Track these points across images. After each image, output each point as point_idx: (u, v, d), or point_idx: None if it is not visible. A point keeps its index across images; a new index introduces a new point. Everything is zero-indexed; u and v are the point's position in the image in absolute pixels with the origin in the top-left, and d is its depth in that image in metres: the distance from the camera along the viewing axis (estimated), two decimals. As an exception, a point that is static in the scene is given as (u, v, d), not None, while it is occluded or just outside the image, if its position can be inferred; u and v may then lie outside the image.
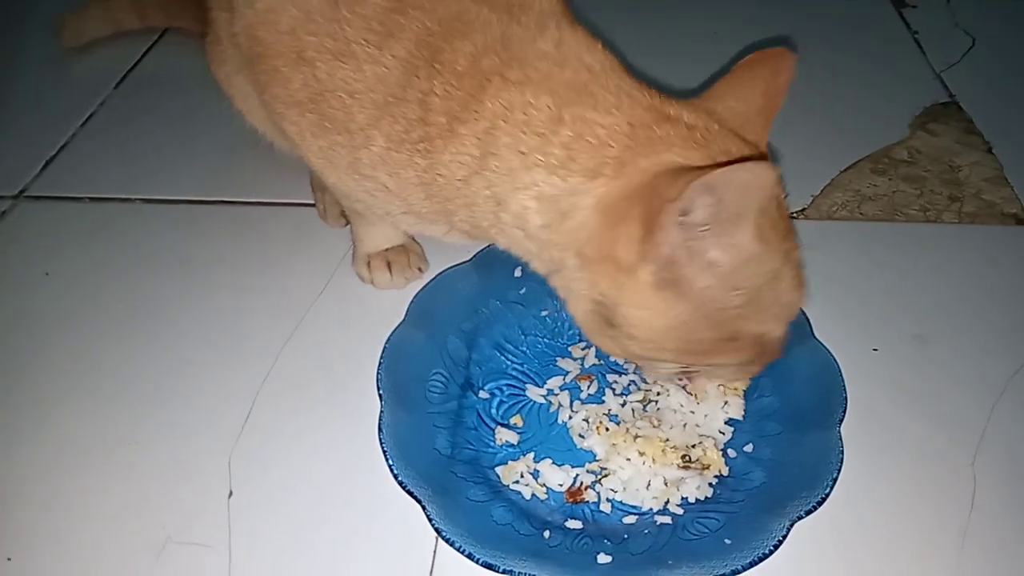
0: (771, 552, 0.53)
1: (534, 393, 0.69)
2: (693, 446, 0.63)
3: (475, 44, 0.56)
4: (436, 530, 0.55)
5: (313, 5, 0.60)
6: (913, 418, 0.68)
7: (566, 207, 0.54)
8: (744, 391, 0.66)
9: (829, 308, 0.73)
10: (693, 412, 0.65)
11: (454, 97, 0.56)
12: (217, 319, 0.77)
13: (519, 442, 0.65)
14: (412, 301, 0.72)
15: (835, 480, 0.57)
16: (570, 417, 0.66)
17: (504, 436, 0.65)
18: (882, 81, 1.10)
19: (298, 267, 0.82)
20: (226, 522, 0.61)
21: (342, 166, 0.64)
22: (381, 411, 0.62)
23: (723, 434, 0.65)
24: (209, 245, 0.85)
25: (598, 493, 0.61)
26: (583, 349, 0.72)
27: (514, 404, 0.68)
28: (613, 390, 0.69)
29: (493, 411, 0.67)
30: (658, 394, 0.67)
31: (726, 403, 0.65)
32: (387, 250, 0.80)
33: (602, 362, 0.71)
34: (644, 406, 0.67)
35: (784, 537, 0.54)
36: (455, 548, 0.54)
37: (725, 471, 0.62)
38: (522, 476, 0.62)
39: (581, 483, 0.62)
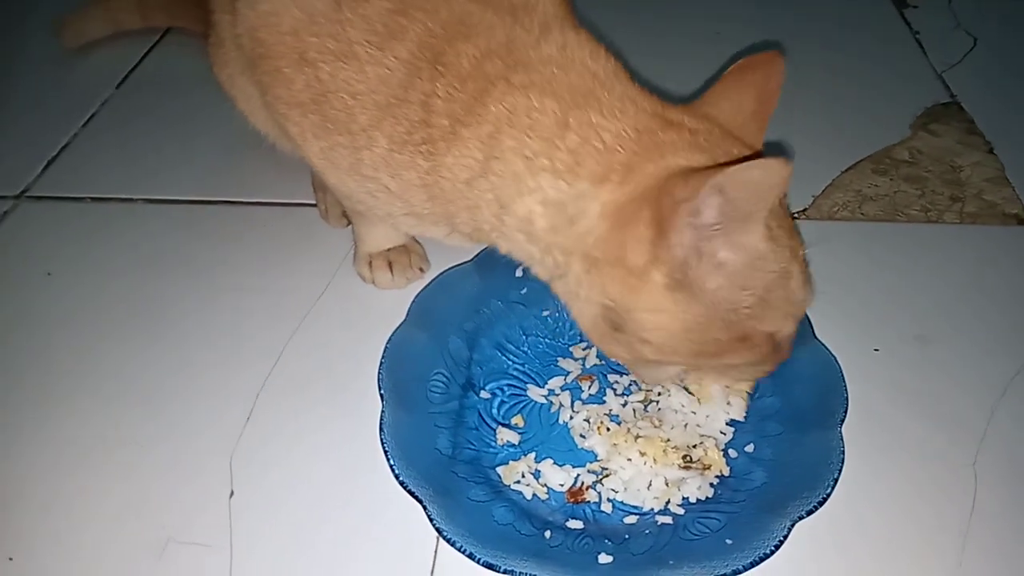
0: (772, 552, 0.53)
1: (535, 393, 0.69)
2: (694, 446, 0.63)
3: (478, 47, 0.56)
4: (437, 530, 0.55)
5: (316, 7, 0.60)
6: (914, 418, 0.68)
7: (573, 212, 0.54)
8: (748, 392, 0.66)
9: (830, 308, 0.73)
10: (694, 412, 0.65)
11: (457, 100, 0.56)
12: (218, 319, 0.77)
13: (520, 442, 0.65)
14: (413, 301, 0.72)
15: (836, 480, 0.57)
16: (571, 417, 0.66)
17: (505, 436, 0.65)
18: (883, 81, 1.10)
19: (300, 267, 0.82)
20: (227, 522, 0.61)
21: (344, 167, 0.64)
22: (382, 411, 0.62)
23: (724, 434, 0.65)
24: (211, 245, 0.85)
25: (599, 493, 0.62)
26: (584, 349, 0.72)
27: (515, 404, 0.68)
28: (614, 390, 0.69)
29: (494, 411, 0.68)
30: (659, 394, 0.67)
31: (729, 404, 0.65)
32: (389, 250, 0.80)
33: (603, 362, 0.71)
34: (645, 406, 0.67)
35: (785, 537, 0.54)
36: (456, 548, 0.54)
37: (726, 471, 0.62)
38: (523, 476, 0.62)
39: (582, 483, 0.62)
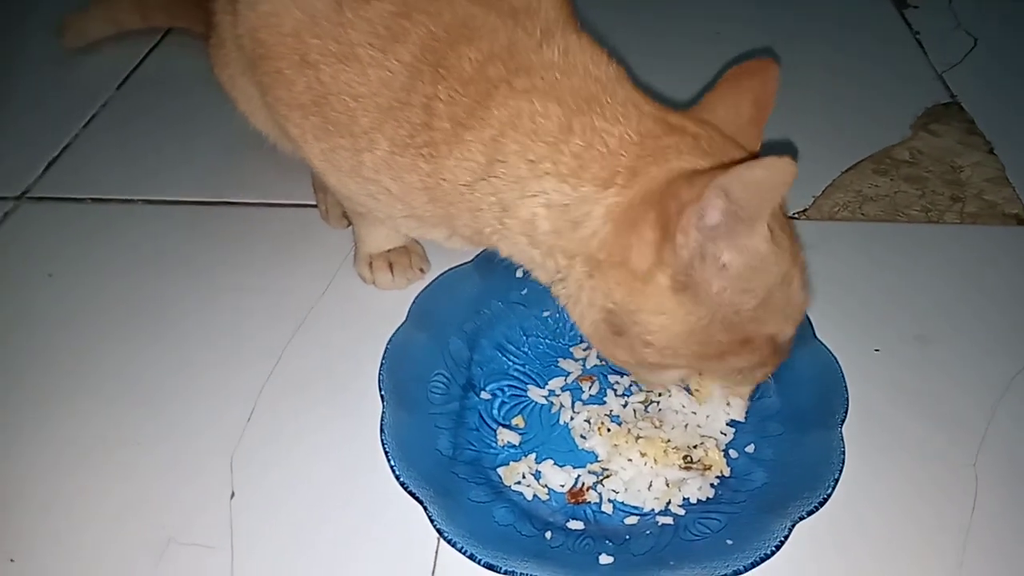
0: (773, 553, 0.53)
1: (536, 394, 0.69)
2: (695, 447, 0.63)
3: (481, 51, 0.57)
4: (438, 531, 0.55)
5: (317, 8, 0.60)
6: (915, 418, 0.68)
7: (577, 215, 0.54)
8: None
9: (830, 309, 0.73)
10: (695, 413, 0.65)
11: (459, 103, 0.56)
12: (219, 319, 0.77)
13: (521, 443, 0.65)
14: (414, 302, 0.72)
15: (837, 481, 0.57)
16: (572, 418, 0.67)
17: (506, 437, 0.65)
18: (883, 81, 1.10)
19: (300, 268, 0.82)
20: (228, 522, 0.61)
21: (345, 169, 0.64)
22: (383, 412, 0.62)
23: (725, 435, 0.65)
24: (211, 246, 0.85)
25: (600, 494, 0.62)
26: (585, 350, 0.72)
27: (516, 405, 0.68)
28: (615, 391, 0.69)
29: (495, 412, 0.68)
30: (659, 395, 0.67)
31: (728, 404, 0.65)
32: (389, 251, 0.80)
33: (604, 363, 0.71)
34: (646, 407, 0.67)
35: (786, 538, 0.54)
36: (457, 549, 0.54)
37: (727, 472, 0.62)
38: (524, 477, 0.62)
39: (583, 484, 0.62)
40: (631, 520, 0.60)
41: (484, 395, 0.69)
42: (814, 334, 0.69)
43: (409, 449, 0.60)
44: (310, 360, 0.73)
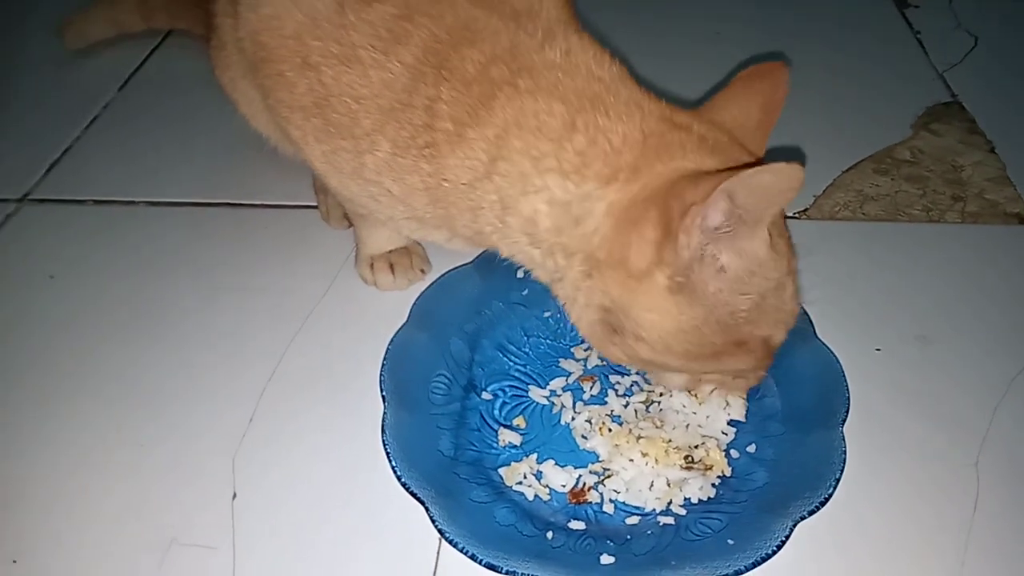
0: (774, 552, 0.53)
1: (537, 394, 0.69)
2: (696, 447, 0.63)
3: (484, 52, 0.57)
4: (439, 531, 0.55)
5: (319, 11, 0.60)
6: (916, 418, 0.68)
7: (579, 212, 0.55)
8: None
9: (831, 308, 0.73)
10: (696, 413, 0.65)
11: (462, 104, 0.56)
12: (221, 321, 0.77)
13: (522, 443, 0.65)
14: (415, 302, 0.72)
15: (838, 480, 0.57)
16: (573, 418, 0.67)
17: (507, 437, 0.65)
18: (884, 81, 1.10)
19: (301, 269, 0.82)
20: (230, 523, 0.61)
21: (346, 171, 0.64)
22: (384, 412, 0.62)
23: (726, 435, 0.65)
24: (213, 247, 0.85)
25: (601, 494, 0.62)
26: (586, 350, 0.72)
27: (517, 405, 0.68)
28: (616, 391, 0.69)
29: (496, 412, 0.68)
30: (661, 395, 0.67)
31: (727, 404, 0.65)
32: (390, 252, 0.80)
33: (605, 363, 0.71)
34: (647, 407, 0.67)
35: (787, 537, 0.54)
36: (458, 549, 0.54)
37: (728, 472, 0.62)
38: (525, 477, 0.62)
39: (584, 484, 0.62)
40: (632, 520, 0.60)
41: (485, 395, 0.69)
42: (815, 334, 0.69)
43: (410, 449, 0.60)
44: (311, 361, 0.73)
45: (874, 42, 1.19)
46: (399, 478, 0.58)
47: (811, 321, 0.69)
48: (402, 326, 0.70)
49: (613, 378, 0.70)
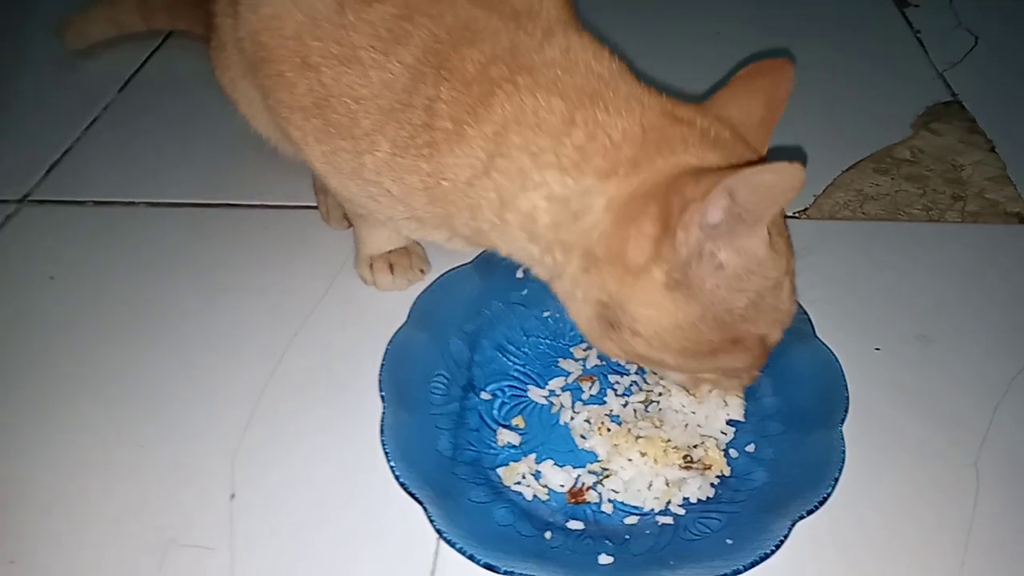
0: (773, 552, 0.53)
1: (536, 394, 0.69)
2: (695, 446, 0.63)
3: (483, 52, 0.57)
4: (437, 531, 0.55)
5: (319, 11, 0.60)
6: (915, 418, 0.68)
7: (578, 207, 0.54)
8: (743, 392, 0.66)
9: (831, 308, 0.73)
10: (695, 412, 0.65)
11: (462, 103, 0.56)
12: (220, 321, 0.77)
13: (521, 443, 0.65)
14: (414, 302, 0.72)
15: (837, 480, 0.57)
16: (572, 418, 0.66)
17: (506, 437, 0.65)
18: (884, 80, 1.10)
19: (301, 269, 0.82)
20: (228, 524, 0.61)
21: (346, 171, 0.64)
22: (383, 412, 0.62)
23: (725, 434, 0.65)
24: (213, 248, 0.85)
25: (600, 494, 0.62)
26: (585, 350, 0.72)
27: (516, 405, 0.68)
28: (615, 391, 0.69)
29: (495, 412, 0.68)
30: (660, 394, 0.67)
31: (726, 404, 0.65)
32: (389, 252, 0.80)
33: (604, 363, 0.71)
34: (646, 407, 0.67)
35: (786, 537, 0.54)
36: (456, 549, 0.54)
37: (727, 471, 0.62)
38: (523, 477, 0.62)
39: (583, 484, 0.62)
40: (631, 520, 0.60)
41: (484, 395, 0.69)
42: (814, 333, 0.69)
43: (409, 450, 0.60)
44: (311, 361, 0.73)
45: (874, 41, 1.19)
46: (397, 478, 0.58)
47: (810, 321, 0.69)
48: (401, 326, 0.70)
49: (612, 378, 0.70)
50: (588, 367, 0.71)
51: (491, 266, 0.74)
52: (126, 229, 0.88)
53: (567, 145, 0.54)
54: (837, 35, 1.20)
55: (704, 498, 0.61)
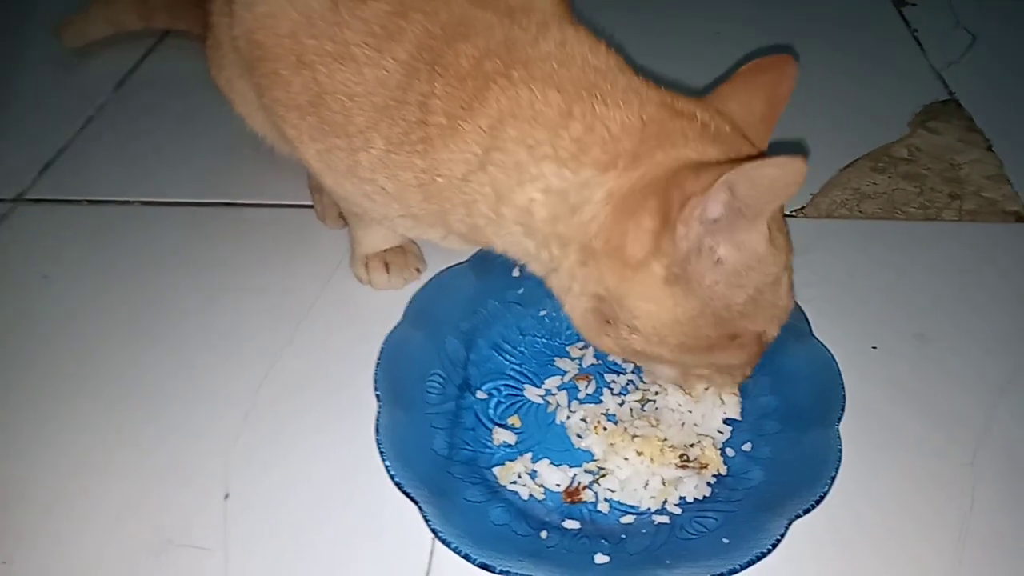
0: (769, 551, 0.53)
1: (532, 393, 0.69)
2: (691, 445, 0.63)
3: (477, 47, 0.56)
4: (432, 531, 0.55)
5: (314, 9, 0.60)
6: (912, 416, 0.68)
7: (576, 200, 0.54)
8: (740, 390, 0.66)
9: (828, 306, 0.73)
10: (691, 411, 0.65)
11: (456, 99, 0.56)
12: (215, 321, 0.77)
13: (517, 442, 0.65)
14: (410, 302, 0.72)
15: (834, 479, 0.57)
16: (568, 417, 0.66)
17: (502, 436, 0.65)
18: (882, 79, 1.10)
19: (296, 268, 0.82)
20: (223, 524, 0.61)
21: (341, 169, 0.64)
22: (378, 411, 0.62)
23: (721, 433, 0.65)
24: (207, 247, 0.85)
25: (596, 493, 0.61)
26: (581, 349, 0.72)
27: (512, 404, 0.68)
28: (611, 390, 0.68)
29: (491, 411, 0.67)
30: (656, 393, 0.67)
31: (722, 403, 0.65)
32: (385, 251, 0.80)
33: (600, 362, 0.71)
34: (642, 405, 0.67)
35: (782, 536, 0.54)
36: (451, 549, 0.54)
37: (723, 470, 0.62)
38: (519, 476, 0.62)
39: (579, 483, 0.62)
40: (627, 519, 0.60)
41: (480, 394, 0.68)
42: (811, 332, 0.69)
43: (404, 449, 0.60)
44: (306, 360, 0.73)
45: (872, 40, 1.19)
46: (393, 477, 0.58)
47: (807, 319, 0.69)
48: (397, 325, 0.69)
49: (608, 377, 0.70)
50: (584, 366, 0.71)
51: (487, 265, 0.73)
52: (121, 228, 0.88)
53: (564, 138, 0.54)
54: (835, 34, 1.20)
55: (700, 497, 0.60)
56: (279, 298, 0.79)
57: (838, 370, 0.65)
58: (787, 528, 0.54)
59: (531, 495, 0.61)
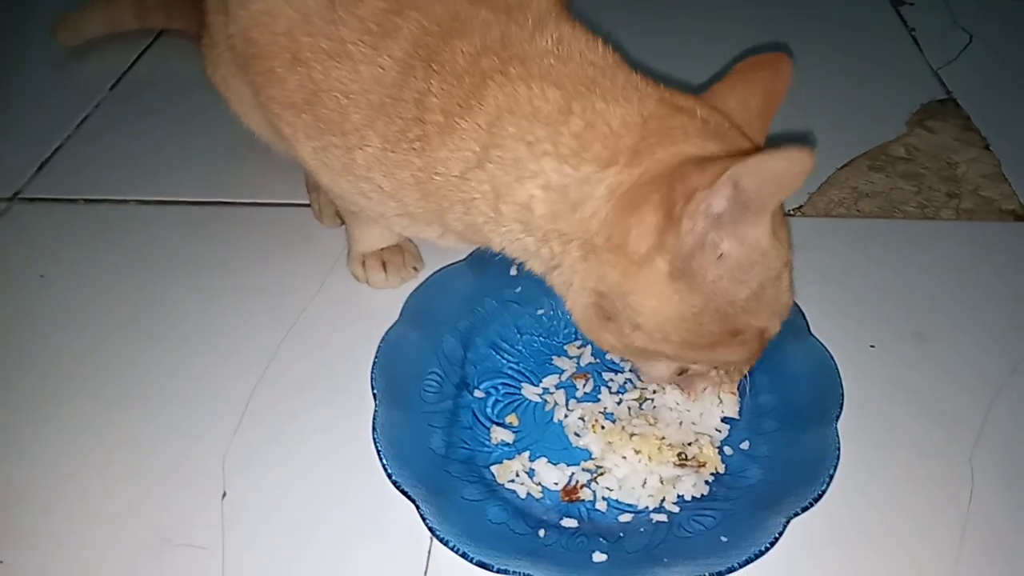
0: (767, 549, 0.53)
1: (530, 392, 0.68)
2: (689, 444, 0.63)
3: (474, 44, 0.56)
4: (430, 530, 0.55)
5: (310, 7, 0.60)
6: (910, 415, 0.68)
7: (577, 196, 0.54)
8: (738, 388, 0.66)
9: (826, 305, 0.73)
10: (689, 410, 0.65)
11: (453, 96, 0.56)
12: (211, 320, 0.76)
13: (514, 441, 0.65)
14: (407, 300, 0.71)
15: (832, 477, 0.57)
16: (566, 415, 0.66)
17: (499, 435, 0.65)
18: (880, 78, 1.10)
19: (293, 267, 0.82)
20: (220, 523, 0.61)
21: (337, 168, 0.64)
22: (375, 410, 0.62)
23: (719, 431, 0.64)
24: (204, 246, 0.85)
25: (594, 491, 0.61)
26: (579, 347, 0.72)
27: (510, 403, 0.68)
28: (609, 388, 0.68)
29: (488, 410, 0.67)
30: (654, 392, 0.67)
31: (720, 401, 0.65)
32: (382, 249, 0.79)
33: (598, 360, 0.71)
34: (640, 404, 0.67)
35: (780, 534, 0.54)
36: (449, 548, 0.54)
37: (721, 468, 0.62)
38: (517, 475, 0.62)
39: (577, 481, 0.62)
40: (625, 517, 0.60)
41: (478, 393, 0.68)
42: (809, 330, 0.69)
43: (402, 448, 0.60)
44: (303, 360, 0.73)
45: (869, 39, 1.19)
46: (390, 476, 0.58)
47: (805, 318, 0.69)
48: (394, 324, 0.69)
49: (606, 375, 0.69)
50: (582, 365, 0.71)
51: (485, 263, 0.73)
52: (118, 227, 0.88)
53: (565, 134, 0.54)
54: (833, 33, 1.20)
55: (698, 495, 0.60)
56: (276, 297, 0.78)
57: (836, 369, 0.65)
58: (785, 526, 0.54)
59: (529, 494, 0.61)
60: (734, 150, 0.52)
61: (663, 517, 0.59)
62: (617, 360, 0.70)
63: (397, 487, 0.57)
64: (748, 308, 0.53)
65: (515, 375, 0.70)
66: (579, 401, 0.67)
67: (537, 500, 0.61)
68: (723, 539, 0.55)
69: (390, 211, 0.65)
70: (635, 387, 0.68)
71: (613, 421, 0.65)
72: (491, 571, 0.53)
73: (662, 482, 0.61)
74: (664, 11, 1.27)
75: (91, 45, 1.14)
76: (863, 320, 0.76)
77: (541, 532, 0.58)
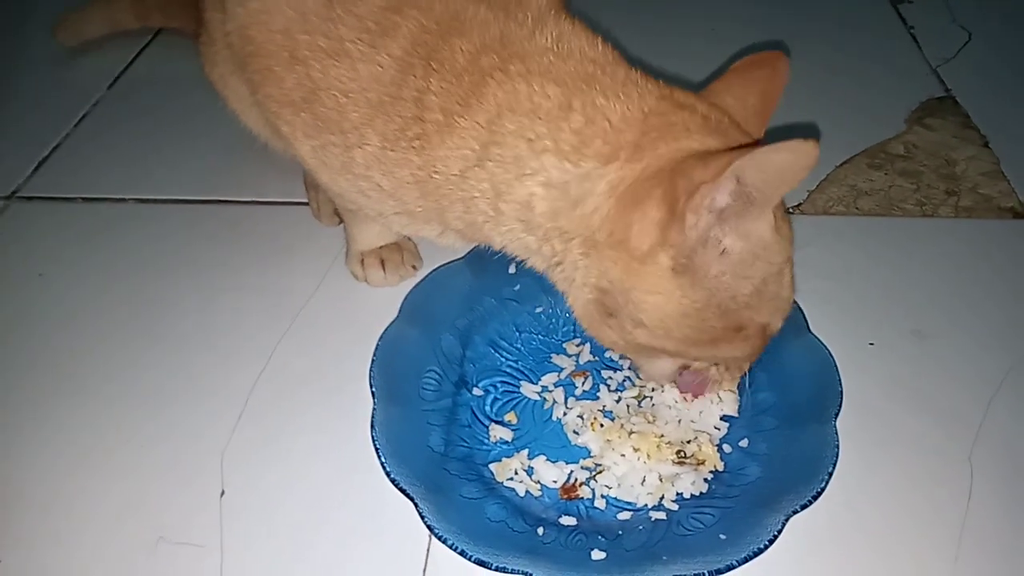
0: (766, 547, 0.53)
1: (528, 390, 0.68)
2: (688, 442, 0.63)
3: (473, 42, 0.56)
4: (428, 528, 0.55)
5: (307, 5, 0.60)
6: (910, 412, 0.67)
7: (578, 193, 0.54)
8: (737, 387, 0.66)
9: (825, 303, 0.73)
10: (688, 408, 0.65)
11: (452, 94, 0.56)
12: (210, 318, 0.76)
13: (513, 439, 0.65)
14: (406, 298, 0.71)
15: (831, 475, 0.57)
16: (564, 414, 0.66)
17: (498, 433, 0.65)
18: (878, 76, 1.10)
19: (292, 266, 0.82)
20: (218, 521, 0.60)
21: (335, 166, 0.64)
22: (374, 408, 0.62)
23: (718, 429, 0.64)
24: (202, 245, 0.85)
25: (592, 489, 0.61)
26: (578, 345, 0.72)
27: (508, 401, 0.68)
28: (608, 386, 0.68)
29: (487, 408, 0.67)
30: (653, 390, 0.66)
31: (719, 399, 0.64)
32: (381, 248, 0.79)
33: (597, 358, 0.71)
34: (639, 402, 0.67)
35: (779, 532, 0.54)
36: (447, 545, 0.54)
37: (720, 466, 0.62)
38: (516, 473, 0.62)
39: (575, 479, 0.62)
40: (624, 515, 0.60)
41: (476, 391, 0.68)
42: (808, 328, 0.69)
43: (400, 446, 0.60)
44: (302, 357, 0.73)
45: (868, 37, 1.19)
46: (388, 474, 0.57)
47: (804, 315, 0.69)
48: (392, 322, 0.69)
49: (605, 373, 0.69)
50: (581, 363, 0.71)
51: (483, 262, 0.73)
52: (116, 226, 0.87)
53: (565, 130, 0.53)
54: (832, 32, 1.20)
55: (697, 493, 0.60)
56: (274, 296, 0.78)
57: (835, 366, 0.65)
58: (784, 524, 0.54)
59: (528, 491, 0.61)
60: (735, 146, 0.52)
61: (662, 515, 0.59)
62: (616, 358, 0.70)
63: (396, 485, 0.57)
64: (750, 304, 0.53)
65: (514, 373, 0.70)
66: (578, 399, 0.67)
67: (536, 498, 0.61)
68: (722, 537, 0.55)
69: (389, 209, 0.65)
70: (634, 385, 0.68)
71: (612, 419, 0.65)
72: (490, 569, 0.53)
73: (661, 480, 0.61)
74: (664, 10, 1.27)
75: (89, 44, 1.14)
76: (862, 318, 0.76)
77: (540, 530, 0.58)
